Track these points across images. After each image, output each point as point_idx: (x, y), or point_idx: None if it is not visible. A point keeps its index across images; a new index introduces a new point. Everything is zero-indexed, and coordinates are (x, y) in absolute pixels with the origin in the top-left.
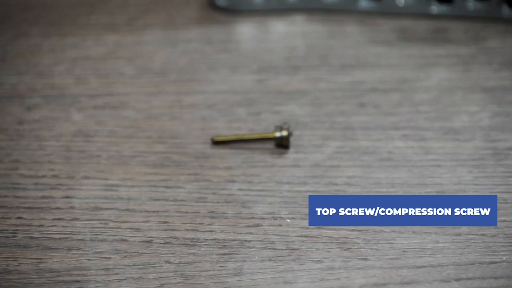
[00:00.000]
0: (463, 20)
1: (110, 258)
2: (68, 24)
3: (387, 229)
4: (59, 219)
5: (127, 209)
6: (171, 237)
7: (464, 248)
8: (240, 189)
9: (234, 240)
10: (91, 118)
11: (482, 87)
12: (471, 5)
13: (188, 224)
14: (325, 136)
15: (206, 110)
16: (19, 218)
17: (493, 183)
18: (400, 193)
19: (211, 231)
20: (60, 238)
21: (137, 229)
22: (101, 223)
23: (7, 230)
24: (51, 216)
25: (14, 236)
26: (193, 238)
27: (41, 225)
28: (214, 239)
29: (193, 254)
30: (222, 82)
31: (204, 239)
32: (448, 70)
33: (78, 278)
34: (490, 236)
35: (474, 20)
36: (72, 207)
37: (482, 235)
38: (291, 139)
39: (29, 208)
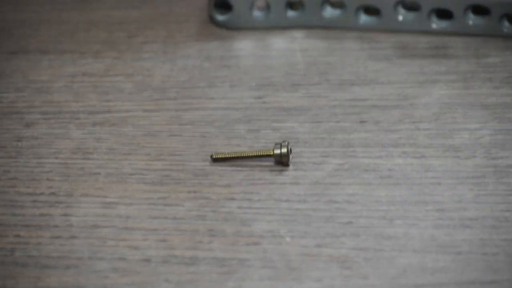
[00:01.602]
0: (463, 36)
1: (108, 276)
2: (67, 40)
3: (387, 248)
4: (57, 237)
5: (126, 227)
6: (170, 255)
7: (465, 266)
8: (240, 207)
9: (233, 258)
10: (90, 135)
11: (483, 104)
12: (471, 21)
13: (187, 243)
14: (325, 153)
15: (205, 127)
16: (17, 236)
17: (494, 201)
18: (400, 211)
19: (210, 249)
20: (58, 257)
21: (136, 248)
22: (99, 241)
23: (4, 248)
24: (49, 234)
25: (12, 254)
26: (192, 257)
27: (39, 243)
28: (213, 258)
29: (192, 273)
30: (222, 99)
31: (203, 258)
32: (448, 87)
33: None
34: (492, 255)
35: (474, 36)
36: (70, 225)
37: (483, 254)
38: (291, 156)
39: (27, 225)
